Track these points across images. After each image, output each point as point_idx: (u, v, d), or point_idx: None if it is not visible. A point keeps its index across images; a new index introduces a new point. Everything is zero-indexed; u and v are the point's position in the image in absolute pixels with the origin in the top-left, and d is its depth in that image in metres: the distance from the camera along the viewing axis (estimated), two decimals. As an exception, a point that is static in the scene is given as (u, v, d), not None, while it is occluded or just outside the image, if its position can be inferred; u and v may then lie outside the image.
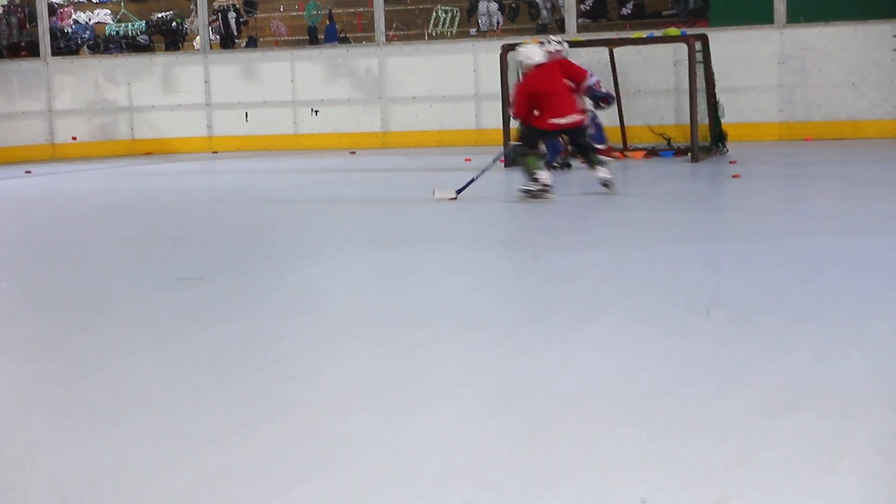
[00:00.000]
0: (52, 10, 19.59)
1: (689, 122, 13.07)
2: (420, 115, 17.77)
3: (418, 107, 17.77)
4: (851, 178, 10.94)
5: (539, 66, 9.59)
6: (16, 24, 19.40)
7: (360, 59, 18.05)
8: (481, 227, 8.48)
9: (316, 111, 18.24)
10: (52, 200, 12.01)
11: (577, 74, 9.69)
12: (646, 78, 15.25)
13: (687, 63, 13.18)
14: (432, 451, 3.15)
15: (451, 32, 19.36)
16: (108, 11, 20.90)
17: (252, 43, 20.33)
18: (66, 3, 20.57)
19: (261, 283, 6.15)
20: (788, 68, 16.20)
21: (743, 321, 4.66)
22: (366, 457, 3.11)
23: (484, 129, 16.71)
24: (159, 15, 20.58)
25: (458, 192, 9.62)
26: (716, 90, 13.61)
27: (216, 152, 18.60)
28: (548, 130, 9.50)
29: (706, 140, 13.49)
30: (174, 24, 20.47)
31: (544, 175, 9.32)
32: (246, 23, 20.70)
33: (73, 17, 20.56)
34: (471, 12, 19.31)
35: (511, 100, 10.14)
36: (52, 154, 18.52)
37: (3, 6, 19.30)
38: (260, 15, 21.01)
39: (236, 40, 20.25)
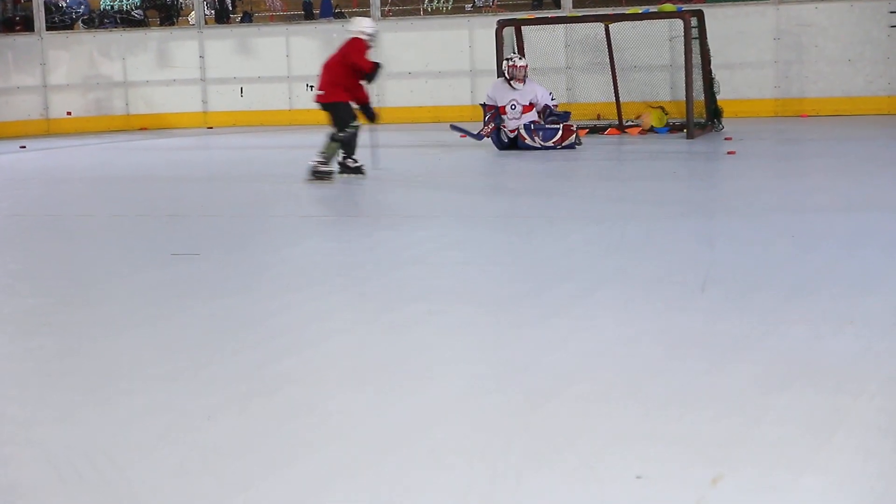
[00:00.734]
0: (47, -16, 19.48)
1: (684, 98, 13.05)
2: (415, 91, 17.73)
3: (414, 82, 17.72)
4: (846, 155, 10.93)
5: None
6: (10, -1, 19.32)
7: (356, 34, 17.95)
8: (477, 201, 8.47)
9: (311, 86, 18.11)
10: (47, 175, 11.98)
11: (355, 56, 9.79)
12: (641, 54, 15.21)
13: (683, 39, 13.15)
14: (427, 426, 3.15)
15: (447, 8, 19.28)
16: (103, -14, 20.78)
17: (247, 18, 20.24)
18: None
19: (255, 259, 6.14)
20: (784, 44, 16.17)
21: (738, 297, 4.67)
22: (361, 432, 3.12)
23: (479, 104, 16.67)
24: (154, -11, 20.47)
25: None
26: (711, 66, 13.57)
27: (211, 127, 18.56)
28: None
29: (702, 116, 13.48)
30: (169, -2, 20.36)
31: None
32: (241, -3, 20.62)
33: (68, -9, 20.44)
34: (466, -12, 19.25)
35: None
36: (46, 129, 18.47)
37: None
38: (255, -11, 20.94)
39: (231, 15, 20.15)
